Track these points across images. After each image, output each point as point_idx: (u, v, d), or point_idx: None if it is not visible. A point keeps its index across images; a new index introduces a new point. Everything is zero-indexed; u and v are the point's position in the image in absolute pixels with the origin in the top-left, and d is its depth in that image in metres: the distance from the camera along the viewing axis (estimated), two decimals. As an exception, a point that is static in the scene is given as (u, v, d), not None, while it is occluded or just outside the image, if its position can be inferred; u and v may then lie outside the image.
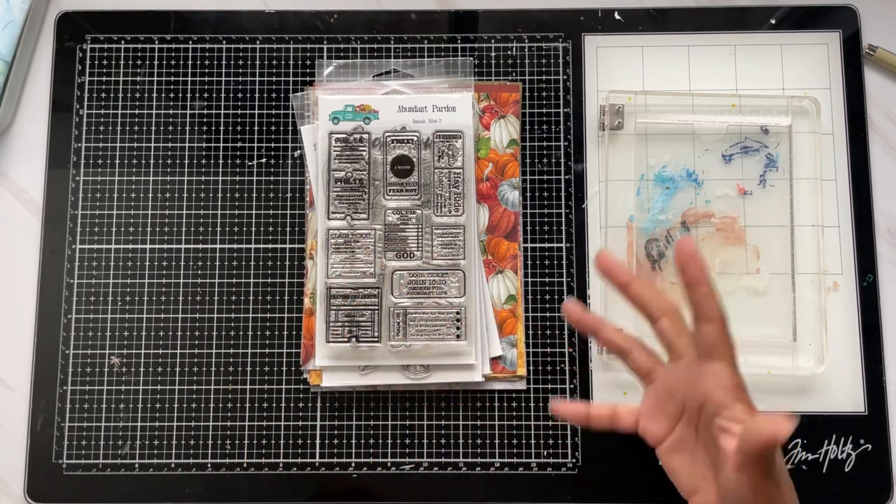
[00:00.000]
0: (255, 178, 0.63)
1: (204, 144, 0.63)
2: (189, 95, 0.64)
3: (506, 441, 0.59)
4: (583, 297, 0.61)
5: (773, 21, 0.64)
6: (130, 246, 0.62)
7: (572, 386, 0.60)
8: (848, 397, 0.59)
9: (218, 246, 0.62)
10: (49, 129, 0.63)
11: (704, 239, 0.61)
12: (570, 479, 0.59)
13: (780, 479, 0.46)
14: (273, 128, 0.63)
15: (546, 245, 0.62)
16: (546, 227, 0.62)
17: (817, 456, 0.59)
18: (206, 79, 0.64)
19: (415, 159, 0.61)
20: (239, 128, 0.63)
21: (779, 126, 0.62)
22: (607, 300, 0.60)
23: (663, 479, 0.59)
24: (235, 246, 0.62)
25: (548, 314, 0.61)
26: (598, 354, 0.60)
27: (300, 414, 0.60)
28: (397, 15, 0.65)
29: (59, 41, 0.64)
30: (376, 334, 0.59)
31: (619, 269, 0.50)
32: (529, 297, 0.61)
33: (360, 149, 0.61)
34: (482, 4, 0.65)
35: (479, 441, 0.59)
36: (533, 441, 0.59)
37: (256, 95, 0.64)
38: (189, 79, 0.64)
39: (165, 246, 0.62)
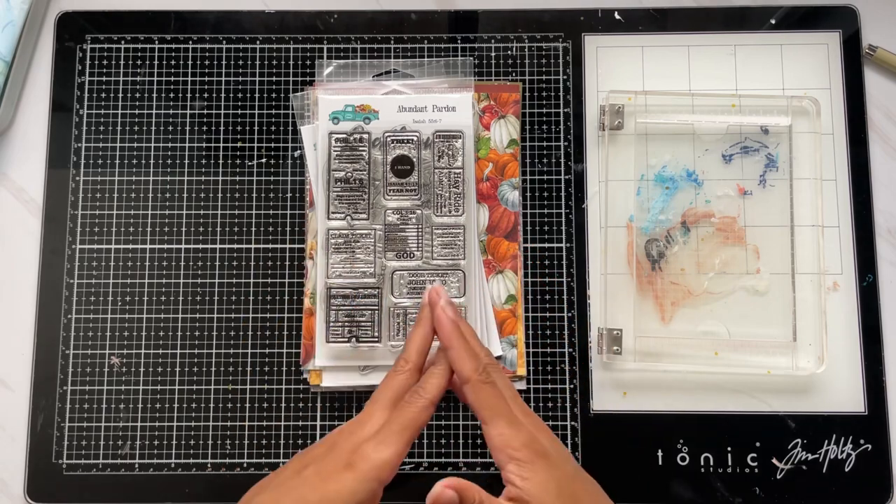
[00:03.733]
0: (255, 178, 0.63)
1: (204, 144, 0.63)
2: (189, 95, 0.64)
3: (506, 441, 0.59)
4: (583, 296, 0.61)
5: (773, 21, 0.64)
6: (130, 246, 0.62)
7: (572, 386, 0.60)
8: (848, 397, 0.59)
9: (218, 246, 0.62)
10: (49, 129, 0.63)
11: (704, 239, 0.61)
12: (570, 479, 0.59)
13: None
14: (273, 128, 0.63)
15: (546, 245, 0.62)
16: (546, 227, 0.62)
17: (817, 456, 0.59)
18: (206, 79, 0.64)
19: (415, 159, 0.61)
20: (239, 128, 0.63)
21: (779, 126, 0.62)
22: (607, 302, 0.60)
23: (662, 481, 0.59)
24: (235, 246, 0.62)
25: (548, 314, 0.61)
26: (598, 354, 0.60)
27: (300, 414, 0.60)
28: (397, 15, 0.65)
29: (59, 41, 0.64)
30: (376, 334, 0.59)
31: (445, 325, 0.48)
32: (529, 297, 0.61)
33: (360, 149, 0.61)
34: (482, 4, 0.65)
35: (479, 441, 0.59)
36: (533, 441, 0.59)
37: (256, 95, 0.63)
38: (189, 79, 0.64)
39: (165, 246, 0.62)
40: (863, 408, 0.59)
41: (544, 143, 0.63)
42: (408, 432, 0.45)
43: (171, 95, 0.64)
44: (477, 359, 0.47)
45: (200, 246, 0.62)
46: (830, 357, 0.59)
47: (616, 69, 0.64)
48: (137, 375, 0.60)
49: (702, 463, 0.59)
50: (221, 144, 0.63)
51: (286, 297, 0.61)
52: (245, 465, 0.59)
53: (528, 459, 0.44)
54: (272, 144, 0.63)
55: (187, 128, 0.63)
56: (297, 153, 0.63)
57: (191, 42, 0.64)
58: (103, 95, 0.63)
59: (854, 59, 0.63)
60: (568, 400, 0.60)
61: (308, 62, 0.64)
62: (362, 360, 0.59)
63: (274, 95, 0.63)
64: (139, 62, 0.64)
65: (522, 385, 0.60)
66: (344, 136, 0.61)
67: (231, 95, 0.63)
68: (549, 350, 0.60)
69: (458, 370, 0.47)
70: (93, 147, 0.63)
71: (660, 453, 0.59)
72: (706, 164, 0.62)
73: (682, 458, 0.59)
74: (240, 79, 0.64)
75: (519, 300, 0.61)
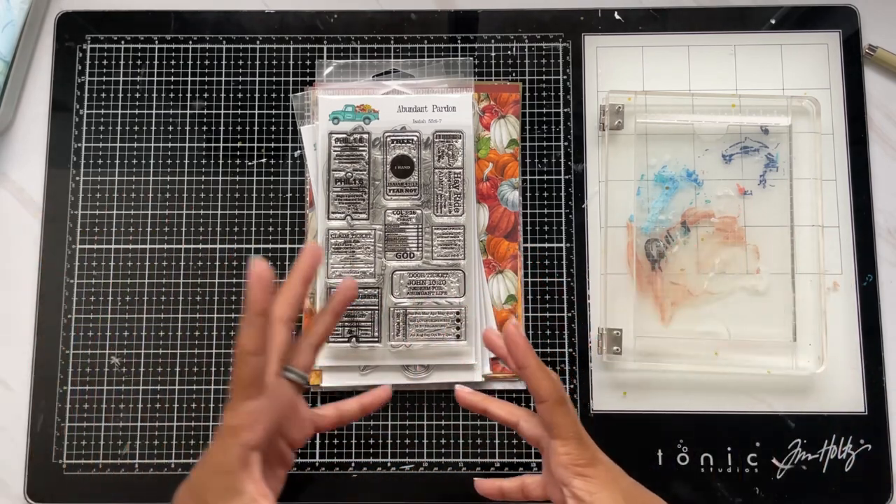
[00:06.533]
0: (255, 178, 0.63)
1: (204, 144, 0.63)
2: (189, 95, 0.64)
3: (506, 441, 0.59)
4: (583, 296, 0.61)
5: (773, 21, 0.64)
6: (130, 246, 0.62)
7: (572, 386, 0.60)
8: (848, 397, 0.59)
9: (218, 246, 0.62)
10: (49, 129, 0.63)
11: (704, 239, 0.61)
12: (570, 479, 0.59)
13: None
14: (273, 128, 0.63)
15: (546, 245, 0.62)
16: (546, 227, 0.62)
17: (817, 456, 0.59)
18: (206, 79, 0.64)
19: (415, 159, 0.61)
20: (239, 128, 0.63)
21: (779, 126, 0.62)
22: (607, 302, 0.60)
23: (662, 481, 0.59)
24: (235, 246, 0.62)
25: (548, 314, 0.61)
26: (598, 354, 0.60)
27: (300, 414, 0.60)
28: (397, 15, 0.65)
29: (59, 41, 0.64)
30: (376, 334, 0.59)
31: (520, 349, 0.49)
32: (529, 297, 0.61)
33: (360, 149, 0.61)
34: (482, 4, 0.65)
35: (479, 441, 0.59)
36: (533, 441, 0.59)
37: (256, 95, 0.63)
38: (189, 79, 0.64)
39: (165, 246, 0.62)
40: (863, 408, 0.59)
41: (544, 143, 0.63)
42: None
43: (171, 95, 0.64)
44: (552, 379, 0.48)
45: (200, 246, 0.62)
46: (830, 357, 0.59)
47: (616, 69, 0.64)
48: (137, 375, 0.60)
49: (702, 463, 0.59)
50: (221, 144, 0.63)
51: (286, 297, 0.61)
52: (245, 465, 0.59)
53: (594, 476, 0.47)
54: (272, 144, 0.63)
55: (187, 128, 0.63)
56: (297, 153, 0.63)
57: (191, 42, 0.64)
58: (103, 95, 0.63)
59: (854, 59, 0.63)
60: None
61: (308, 62, 0.64)
62: (362, 360, 0.59)
63: (274, 95, 0.63)
64: (139, 62, 0.64)
65: (522, 385, 0.60)
66: (344, 136, 0.61)
67: (231, 95, 0.63)
68: (549, 350, 0.60)
69: (535, 389, 0.48)
70: (93, 147, 0.63)
71: (660, 453, 0.59)
72: (706, 164, 0.62)
73: (682, 458, 0.59)
74: (240, 79, 0.64)
75: (519, 300, 0.61)
